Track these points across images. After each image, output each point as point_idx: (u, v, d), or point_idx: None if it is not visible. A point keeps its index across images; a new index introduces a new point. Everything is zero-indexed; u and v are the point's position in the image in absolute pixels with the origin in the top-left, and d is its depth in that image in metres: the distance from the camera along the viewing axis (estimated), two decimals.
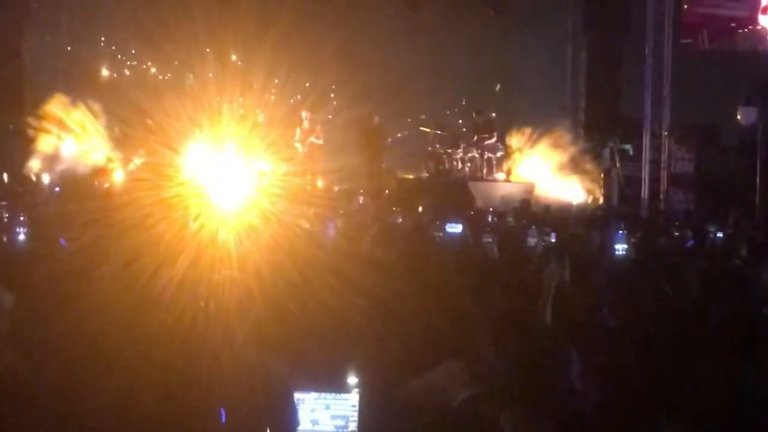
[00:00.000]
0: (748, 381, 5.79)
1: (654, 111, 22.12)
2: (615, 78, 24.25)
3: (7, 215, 11.04)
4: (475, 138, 23.22)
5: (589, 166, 23.19)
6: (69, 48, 26.49)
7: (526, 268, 9.86)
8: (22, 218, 9.65)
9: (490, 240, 11.37)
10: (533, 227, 12.22)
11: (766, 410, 5.62)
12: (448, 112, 28.30)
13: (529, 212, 17.97)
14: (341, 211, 15.41)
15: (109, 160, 21.77)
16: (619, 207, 21.53)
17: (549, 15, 26.71)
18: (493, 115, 24.37)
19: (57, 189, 19.52)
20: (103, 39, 29.84)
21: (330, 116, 27.88)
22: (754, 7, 21.87)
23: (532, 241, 11.58)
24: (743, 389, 5.76)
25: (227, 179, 20.77)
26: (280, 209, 14.91)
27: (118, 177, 20.77)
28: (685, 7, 22.38)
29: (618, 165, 22.71)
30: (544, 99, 25.37)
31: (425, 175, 23.72)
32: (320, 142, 22.37)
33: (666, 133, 21.97)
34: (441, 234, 12.94)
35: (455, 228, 13.16)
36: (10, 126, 22.36)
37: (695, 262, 10.61)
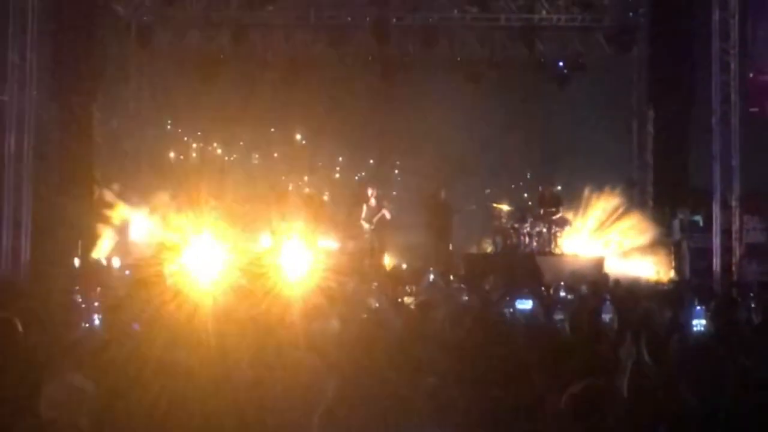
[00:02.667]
0: None
1: (723, 181, 21.83)
2: (682, 149, 24.03)
3: (81, 300, 11.09)
4: (542, 212, 23.10)
5: (659, 238, 22.94)
6: (135, 132, 26.89)
7: (602, 345, 9.67)
8: (96, 304, 9.69)
9: (561, 317, 11.16)
10: (608, 302, 11.98)
11: None
12: (513, 186, 28.26)
13: (606, 285, 17.75)
14: (410, 289, 15.35)
15: (177, 245, 21.88)
16: (691, 280, 21.21)
17: (614, 88, 26.67)
18: (559, 188, 24.25)
19: (127, 272, 19.66)
20: (169, 122, 30.31)
21: (395, 192, 27.97)
22: None
23: (606, 317, 11.34)
24: None
25: (294, 259, 20.89)
26: (349, 288, 14.88)
27: (185, 259, 20.85)
28: (751, 75, 22.20)
29: (688, 237, 22.47)
30: (611, 173, 25.21)
31: (492, 250, 23.59)
32: (387, 218, 22.37)
33: (736, 203, 21.65)
34: (511, 310, 12.77)
35: (525, 304, 12.98)
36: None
37: None
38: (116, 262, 20.96)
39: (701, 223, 22.60)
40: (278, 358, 6.51)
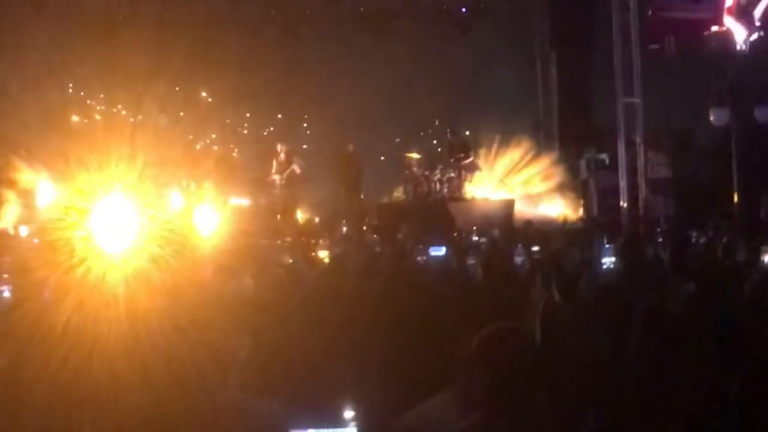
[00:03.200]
0: (733, 383, 5.79)
1: (627, 119, 22.14)
2: (586, 90, 24.32)
3: None
4: (452, 159, 23.22)
5: (566, 178, 23.24)
6: (36, 96, 26.33)
7: (514, 287, 9.80)
8: (6, 275, 9.51)
9: (473, 261, 11.28)
10: (519, 245, 12.14)
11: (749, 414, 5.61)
12: (421, 133, 28.34)
13: (513, 228, 17.96)
14: (323, 243, 15.35)
15: (82, 207, 21.59)
16: (599, 217, 21.54)
17: (515, 32, 26.80)
18: (467, 133, 24.38)
19: (35, 240, 19.36)
20: (71, 85, 29.75)
21: (304, 146, 27.88)
22: (719, 8, 21.92)
23: (518, 259, 11.51)
24: (727, 392, 5.76)
25: (205, 218, 20.76)
26: (261, 244, 14.85)
27: (93, 223, 20.60)
28: (650, 13, 22.43)
29: (595, 176, 22.80)
30: (517, 115, 25.43)
31: (404, 199, 23.68)
32: (298, 172, 22.30)
33: (640, 141, 21.98)
34: (424, 257, 12.86)
35: (439, 251, 13.07)
36: None
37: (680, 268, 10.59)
38: (24, 230, 20.60)
39: (607, 162, 22.93)
40: (190, 320, 6.49)
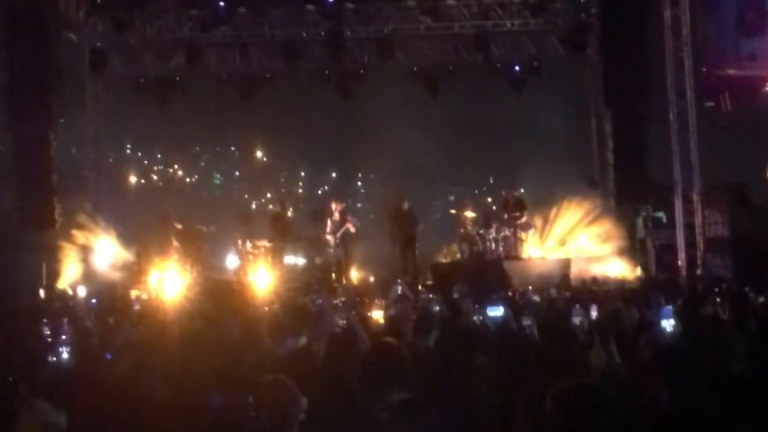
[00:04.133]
0: None
1: (683, 176, 22.00)
2: (641, 147, 24.15)
3: (49, 333, 10.98)
4: (507, 217, 23.13)
5: (623, 236, 23.04)
6: (94, 157, 26.71)
7: (572, 348, 9.69)
8: (64, 337, 9.60)
9: (529, 322, 11.16)
10: (577, 305, 12.01)
11: None
12: (476, 191, 28.35)
13: (570, 287, 17.83)
14: (379, 302, 15.29)
15: (142, 268, 21.78)
16: (657, 277, 21.31)
17: (569, 89, 26.80)
18: (522, 191, 24.31)
19: (93, 301, 19.52)
20: (129, 146, 30.18)
21: (359, 204, 27.98)
22: None
23: (576, 319, 11.37)
24: None
25: (260, 278, 20.84)
26: (316, 304, 14.83)
27: (150, 284, 20.75)
28: (704, 70, 22.36)
29: (652, 234, 22.61)
30: (572, 173, 25.36)
31: (459, 258, 23.58)
32: (352, 231, 22.30)
33: (697, 198, 21.80)
34: (481, 317, 12.77)
35: (496, 311, 12.97)
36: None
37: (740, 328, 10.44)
38: (82, 291, 20.79)
39: (664, 220, 22.74)
40: (246, 382, 6.50)
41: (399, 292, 17.65)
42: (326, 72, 26.59)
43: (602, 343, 8.66)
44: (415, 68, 26.69)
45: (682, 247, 21.58)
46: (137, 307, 17.50)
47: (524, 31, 26.29)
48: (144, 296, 19.92)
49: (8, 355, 9.44)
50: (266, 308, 13.84)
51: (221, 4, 23.23)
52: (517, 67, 26.48)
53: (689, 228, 21.73)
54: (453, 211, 24.67)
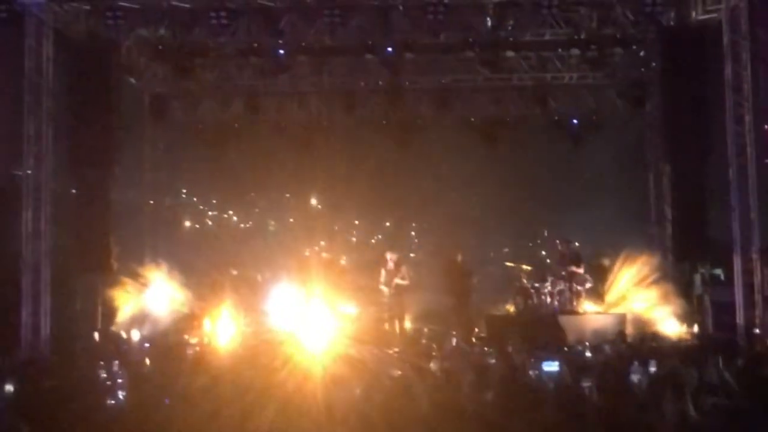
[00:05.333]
0: None
1: (743, 233, 21.66)
2: (700, 203, 23.89)
3: (105, 376, 11.03)
4: (562, 270, 22.96)
5: (681, 293, 22.77)
6: (152, 201, 26.93)
7: (631, 407, 9.57)
8: (120, 381, 9.62)
9: (588, 384, 10.99)
10: (636, 362, 11.85)
11: None
12: (530, 244, 28.18)
13: (626, 344, 17.62)
14: (434, 354, 15.22)
15: (196, 314, 21.86)
16: (714, 335, 20.99)
17: (629, 142, 26.66)
18: (578, 245, 24.12)
19: (146, 345, 19.60)
20: (184, 191, 30.40)
21: (412, 255, 27.88)
22: None
23: (635, 377, 11.22)
24: None
25: (315, 325, 20.80)
26: (370, 354, 14.77)
27: (205, 330, 20.81)
28: (766, 127, 22.12)
29: (710, 291, 22.31)
30: (630, 227, 25.14)
31: (514, 311, 23.41)
32: (406, 283, 22.22)
33: (757, 256, 21.46)
34: (537, 372, 12.66)
35: (552, 366, 12.86)
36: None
37: None
38: (135, 335, 20.88)
39: (722, 277, 22.42)
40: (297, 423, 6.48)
41: (453, 344, 17.57)
42: (384, 122, 26.72)
43: (675, 397, 8.55)
44: (472, 119, 26.76)
45: (740, 305, 21.21)
46: (191, 353, 17.56)
47: (583, 84, 26.27)
48: (197, 342, 19.98)
49: (67, 399, 9.46)
50: (321, 357, 13.83)
51: (281, 52, 23.37)
52: (575, 120, 26.45)
53: (748, 286, 21.36)
54: (509, 264, 24.53)
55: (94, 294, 22.49)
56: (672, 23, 23.85)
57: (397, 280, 22.09)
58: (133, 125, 25.53)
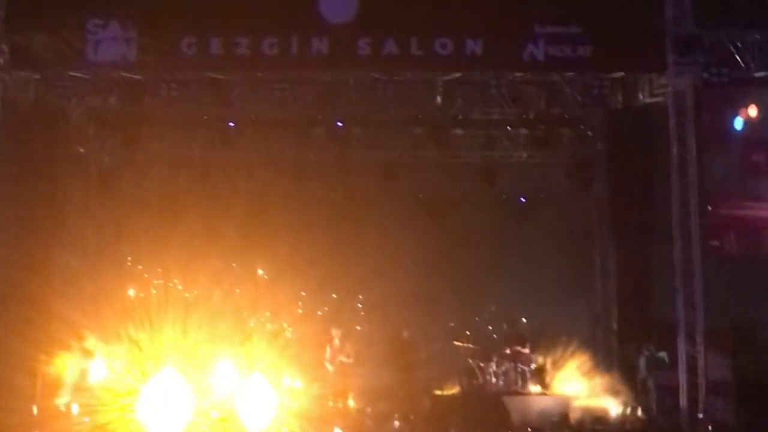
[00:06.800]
0: None
1: (687, 316, 21.78)
2: (645, 284, 24.10)
3: None
4: (508, 350, 22.95)
5: (625, 376, 22.83)
6: (93, 270, 26.60)
7: None
8: None
9: None
10: None
11: None
12: (477, 319, 28.16)
13: (570, 427, 17.60)
14: None
15: (135, 387, 21.48)
16: (658, 418, 21.01)
17: (575, 223, 26.83)
18: (524, 321, 24.16)
19: (86, 419, 19.22)
20: (129, 258, 30.07)
21: (359, 328, 27.76)
22: None
23: None
24: None
25: (257, 400, 20.51)
26: None
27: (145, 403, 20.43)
28: (709, 209, 22.35)
29: (654, 374, 22.37)
30: (576, 306, 25.24)
31: (458, 390, 23.31)
32: (350, 361, 22.10)
33: (700, 339, 21.57)
34: None
35: None
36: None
37: None
38: (75, 408, 20.46)
39: (667, 360, 22.49)
40: None
41: (396, 426, 17.43)
42: (331, 194, 26.74)
43: None
44: (420, 195, 26.83)
45: (684, 389, 21.27)
46: (130, 428, 17.22)
47: (531, 162, 26.48)
48: (138, 416, 19.58)
49: None
50: None
51: (231, 124, 23.39)
52: (523, 198, 26.63)
53: (692, 369, 21.44)
54: (456, 343, 24.47)
55: (33, 366, 22.05)
56: (619, 105, 24.19)
57: (342, 358, 21.98)
58: (80, 193, 25.34)
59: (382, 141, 25.85)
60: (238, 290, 30.35)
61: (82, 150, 25.15)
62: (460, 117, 24.50)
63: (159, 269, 30.90)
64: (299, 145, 25.82)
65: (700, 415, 20.47)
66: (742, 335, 23.35)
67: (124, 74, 21.59)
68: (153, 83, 21.77)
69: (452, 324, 27.05)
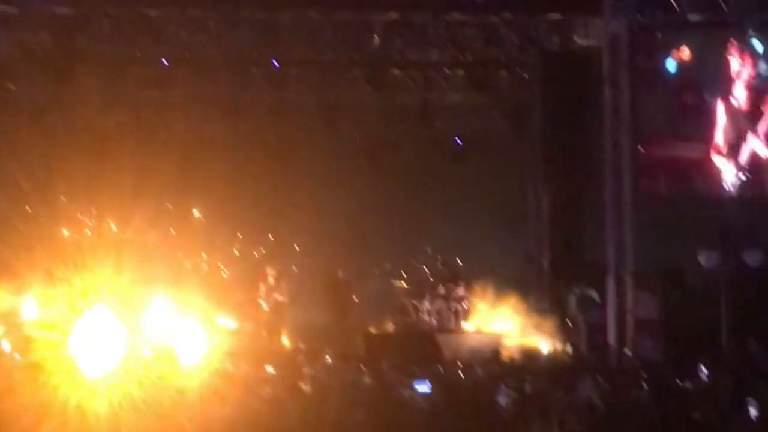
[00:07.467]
0: None
1: (617, 256, 22.11)
2: (577, 225, 24.40)
3: None
4: (441, 289, 23.12)
5: (555, 314, 23.15)
6: (28, 208, 26.31)
7: (499, 425, 9.73)
8: None
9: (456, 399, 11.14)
10: (503, 386, 12.01)
11: None
12: (413, 261, 28.27)
13: (499, 364, 17.82)
14: (309, 371, 15.17)
15: (67, 324, 21.38)
16: (587, 356, 21.34)
17: (510, 165, 26.97)
18: (459, 262, 24.34)
19: (17, 356, 19.12)
20: (63, 199, 29.69)
21: (294, 268, 27.74)
22: (708, 147, 22.15)
23: (502, 400, 11.36)
24: None
25: (192, 340, 20.51)
26: (244, 372, 14.65)
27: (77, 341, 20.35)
28: (641, 150, 22.59)
29: (584, 313, 22.69)
30: (509, 247, 25.46)
31: (392, 329, 23.48)
32: (284, 299, 22.14)
33: (629, 278, 21.92)
34: (410, 392, 12.72)
35: (423, 386, 12.96)
36: None
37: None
38: (6, 346, 20.34)
39: (596, 299, 22.82)
40: None
41: (329, 362, 17.53)
42: (267, 135, 26.59)
43: (541, 419, 8.72)
44: (357, 137, 26.78)
45: (612, 326, 21.64)
46: (62, 366, 17.16)
47: (467, 105, 26.51)
48: (71, 354, 19.50)
49: None
50: (196, 372, 13.67)
51: (165, 62, 23.16)
52: (458, 141, 26.69)
53: (620, 308, 21.81)
54: (388, 281, 24.61)
55: None
56: (555, 48, 24.31)
57: (276, 296, 22.01)
58: (10, 132, 25.00)
59: (319, 82, 25.70)
60: (173, 231, 30.17)
61: (12, 87, 24.76)
62: (397, 58, 24.44)
63: (93, 209, 30.59)
64: (235, 85, 25.60)
65: (628, 352, 20.84)
66: (671, 276, 23.75)
67: (56, 9, 21.26)
68: (85, 19, 21.45)
69: (388, 265, 27.16)
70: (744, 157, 21.98)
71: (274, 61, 24.07)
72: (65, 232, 29.16)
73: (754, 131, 22.17)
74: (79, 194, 28.57)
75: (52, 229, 27.36)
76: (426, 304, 23.05)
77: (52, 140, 26.61)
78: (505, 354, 20.53)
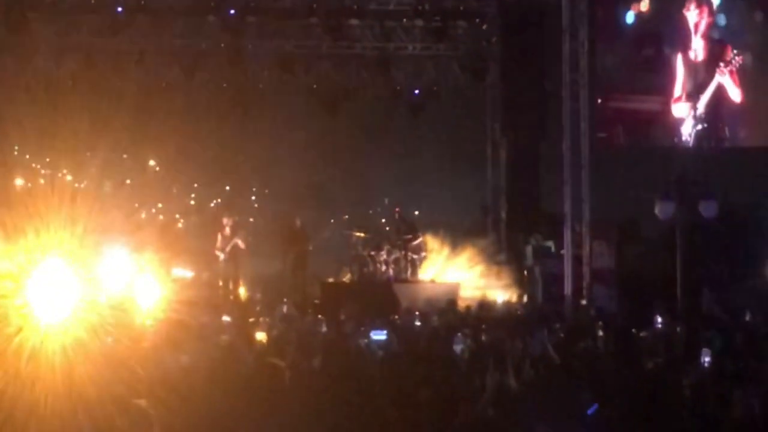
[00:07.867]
0: None
1: (574, 207, 22.18)
2: (534, 176, 24.46)
3: None
4: (399, 239, 23.13)
5: (512, 264, 23.26)
6: None
7: (455, 375, 9.74)
8: None
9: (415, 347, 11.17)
10: (459, 334, 12.04)
11: None
12: (370, 212, 28.29)
13: (456, 314, 17.86)
14: (264, 321, 15.13)
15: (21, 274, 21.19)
16: (543, 305, 21.47)
17: (467, 116, 26.98)
18: (416, 214, 24.36)
19: None
20: (17, 148, 29.42)
21: (251, 219, 27.69)
22: (667, 99, 22.20)
23: (457, 348, 11.41)
24: None
25: (147, 289, 20.43)
26: (200, 321, 14.58)
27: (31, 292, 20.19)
28: (599, 101, 22.62)
29: (540, 262, 22.79)
30: (466, 198, 25.52)
31: (349, 278, 23.50)
32: (242, 247, 22.03)
33: (586, 230, 22.02)
34: (366, 341, 12.73)
35: (380, 335, 12.98)
36: None
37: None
38: None
39: (553, 249, 22.93)
40: (128, 391, 6.40)
41: (285, 311, 17.50)
42: (224, 84, 26.34)
43: (497, 368, 8.72)
44: (314, 86, 26.57)
45: (568, 277, 21.76)
46: (15, 316, 17.03)
47: (426, 55, 26.37)
48: (25, 304, 19.38)
49: None
50: (151, 321, 13.61)
51: (119, 9, 22.83)
52: (417, 91, 26.57)
53: (576, 259, 21.91)
54: (345, 232, 24.59)
55: None
56: None
57: (234, 243, 21.86)
58: None
59: (276, 31, 25.43)
60: (128, 181, 29.99)
61: None
62: (355, 7, 24.22)
63: (47, 159, 30.31)
64: (191, 33, 25.28)
65: (584, 302, 20.97)
66: (627, 227, 23.90)
67: None
68: None
69: (346, 216, 27.16)
70: (701, 109, 22.06)
71: (231, 10, 23.76)
72: (19, 182, 28.91)
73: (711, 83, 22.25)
74: (32, 144, 28.28)
75: (5, 179, 27.08)
76: (383, 255, 23.04)
77: (4, 89, 26.24)
78: (462, 304, 20.61)
